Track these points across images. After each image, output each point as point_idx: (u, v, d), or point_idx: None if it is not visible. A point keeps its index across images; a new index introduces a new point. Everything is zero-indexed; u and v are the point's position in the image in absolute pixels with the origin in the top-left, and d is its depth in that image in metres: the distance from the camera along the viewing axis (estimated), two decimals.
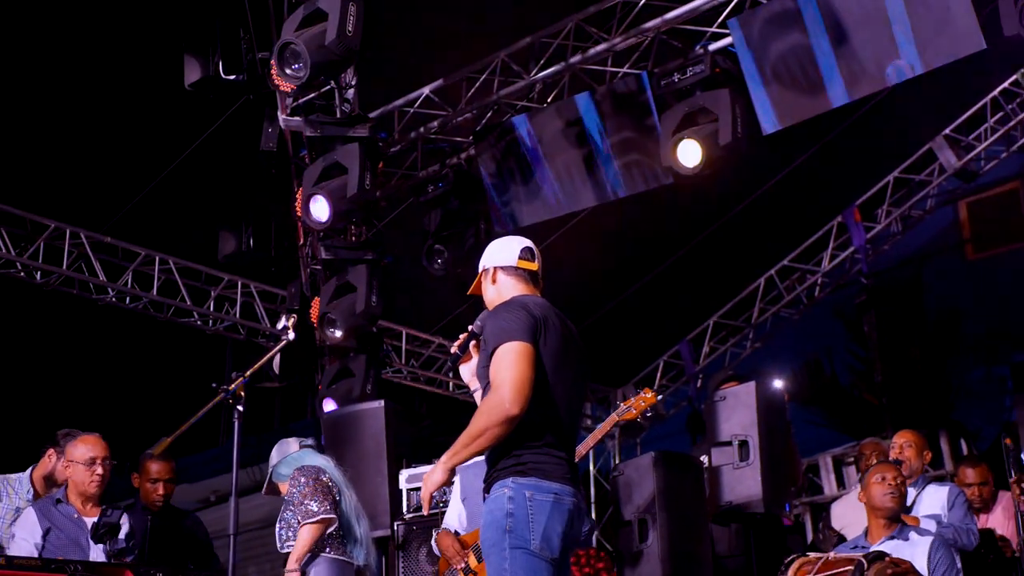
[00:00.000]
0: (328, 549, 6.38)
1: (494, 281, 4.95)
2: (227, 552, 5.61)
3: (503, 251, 5.03)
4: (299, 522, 6.31)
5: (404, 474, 8.51)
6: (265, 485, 6.81)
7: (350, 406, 9.51)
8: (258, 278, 12.37)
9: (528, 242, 5.07)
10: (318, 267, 10.72)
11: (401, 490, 8.46)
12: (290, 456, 6.66)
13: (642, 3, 9.94)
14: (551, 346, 4.65)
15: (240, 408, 5.60)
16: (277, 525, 6.46)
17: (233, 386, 5.61)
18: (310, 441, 6.73)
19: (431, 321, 13.32)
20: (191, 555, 7.70)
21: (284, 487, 6.61)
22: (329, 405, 10.56)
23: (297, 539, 6.30)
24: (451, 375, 13.68)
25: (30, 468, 7.32)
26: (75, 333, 12.70)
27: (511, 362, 4.50)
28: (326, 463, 6.61)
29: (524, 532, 4.46)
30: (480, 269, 5.06)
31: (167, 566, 6.95)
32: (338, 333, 10.11)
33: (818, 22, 9.18)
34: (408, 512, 8.33)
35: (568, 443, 4.70)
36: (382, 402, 8.95)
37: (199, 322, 12.38)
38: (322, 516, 6.31)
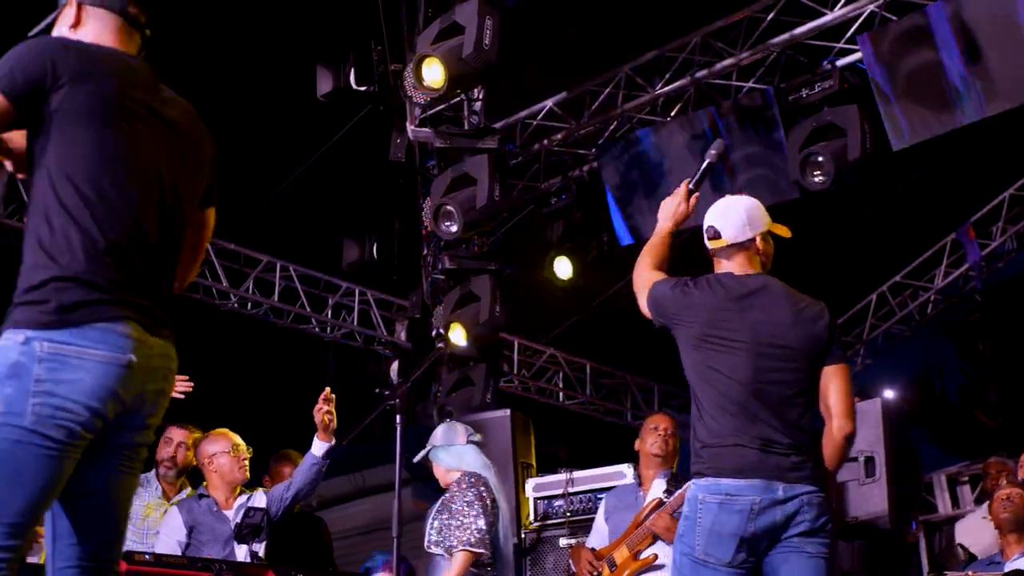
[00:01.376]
0: (475, 569, 6.41)
1: None
2: None
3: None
4: (456, 540, 6.29)
5: (530, 483, 8.57)
6: (421, 455, 6.77)
7: (475, 414, 9.59)
8: (375, 286, 12.52)
9: (713, 216, 4.77)
10: (439, 276, 10.84)
11: (528, 498, 8.52)
12: (456, 447, 6.62)
13: (769, 18, 9.96)
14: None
15: (400, 416, 5.71)
16: (429, 521, 6.47)
17: (399, 392, 5.72)
18: (477, 438, 6.71)
19: (543, 331, 13.39)
20: (318, 557, 7.81)
21: (439, 470, 6.60)
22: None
23: (452, 563, 6.30)
24: (562, 384, 13.75)
25: (153, 468, 7.41)
26: (198, 338, 12.89)
27: None
28: (487, 470, 6.61)
29: (691, 537, 4.36)
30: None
31: (307, 567, 7.07)
32: (462, 342, 10.22)
33: (950, 38, 9.14)
34: (535, 521, 8.39)
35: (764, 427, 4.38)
36: (508, 411, 9.03)
37: (317, 328, 12.56)
38: (479, 550, 6.29)
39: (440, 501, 6.47)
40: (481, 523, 6.23)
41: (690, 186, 4.83)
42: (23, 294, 3.00)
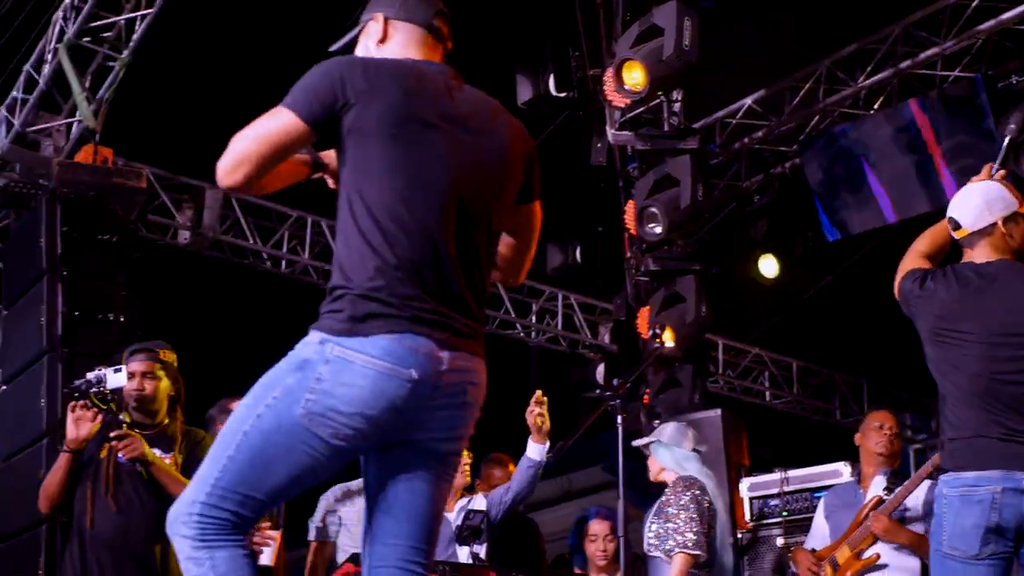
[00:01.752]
0: (694, 571, 6.39)
1: None
2: None
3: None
4: (675, 543, 6.29)
5: (745, 482, 8.52)
6: (642, 441, 6.75)
7: (684, 415, 9.57)
8: (578, 290, 12.61)
9: (953, 207, 4.61)
10: (643, 279, 10.83)
11: (742, 498, 8.48)
12: (679, 451, 6.59)
13: (974, 5, 9.72)
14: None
15: (620, 417, 5.76)
16: (647, 524, 6.49)
17: (619, 392, 5.77)
18: (703, 448, 6.73)
19: (748, 331, 13.29)
20: (533, 559, 7.89)
21: (655, 465, 6.57)
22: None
23: (672, 566, 6.31)
24: (768, 383, 13.64)
25: None
26: None
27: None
28: (708, 479, 6.58)
29: (938, 533, 4.37)
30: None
31: (525, 568, 7.16)
32: (670, 344, 10.19)
33: None
34: (751, 520, 8.34)
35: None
36: (719, 411, 9.00)
37: (521, 333, 12.71)
38: (697, 552, 6.28)
39: (656, 505, 6.47)
40: (696, 526, 6.23)
41: (993, 167, 4.60)
42: (326, 306, 3.10)
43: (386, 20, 3.35)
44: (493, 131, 3.30)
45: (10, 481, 8.28)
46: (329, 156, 3.29)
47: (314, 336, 3.07)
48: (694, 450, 6.61)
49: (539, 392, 6.74)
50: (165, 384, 5.87)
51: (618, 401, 5.86)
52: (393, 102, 3.13)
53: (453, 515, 7.01)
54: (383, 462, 3.20)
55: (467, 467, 7.09)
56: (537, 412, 6.69)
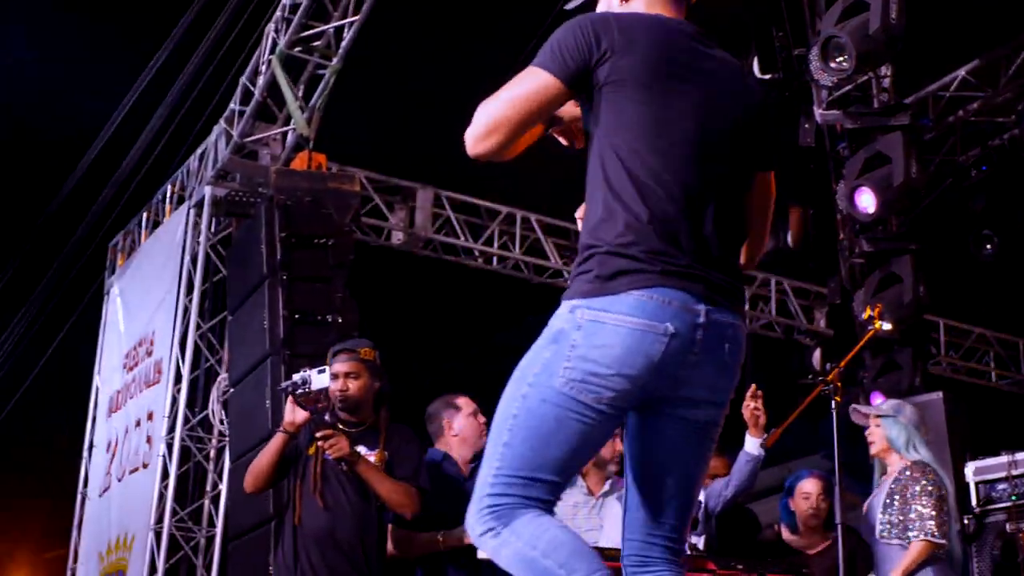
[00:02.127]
0: (930, 560, 6.20)
1: None
2: None
3: None
4: (918, 529, 6.11)
5: (970, 466, 8.27)
6: (877, 409, 6.57)
7: (905, 399, 9.34)
8: (791, 275, 12.42)
9: None
10: (858, 260, 10.61)
11: (968, 483, 8.23)
12: (915, 434, 6.33)
13: None
14: None
15: (837, 399, 5.65)
16: (878, 511, 6.31)
17: (830, 377, 5.66)
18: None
19: (971, 310, 12.89)
20: (748, 548, 7.80)
21: (882, 442, 6.36)
22: (877, 399, 10.44)
23: (910, 552, 6.13)
24: (993, 364, 13.19)
25: None
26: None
27: None
28: (937, 465, 6.38)
29: None
30: None
31: (746, 559, 7.09)
32: (887, 326, 9.95)
33: None
34: (977, 506, 8.09)
35: None
36: (940, 394, 8.76)
37: None
38: (941, 540, 6.10)
39: (887, 490, 6.26)
40: (938, 513, 6.04)
41: None
42: (576, 269, 3.05)
43: None
44: (743, 91, 3.19)
45: (239, 481, 8.58)
46: (564, 111, 3.21)
47: (564, 306, 3.01)
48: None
49: (754, 386, 6.65)
50: (368, 382, 5.96)
51: (832, 386, 5.74)
52: (647, 55, 3.04)
53: None
54: (644, 436, 3.15)
55: None
56: (753, 407, 6.60)
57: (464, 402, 6.77)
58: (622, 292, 2.95)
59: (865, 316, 8.21)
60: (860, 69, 8.70)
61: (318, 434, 5.71)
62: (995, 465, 7.91)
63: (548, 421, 2.98)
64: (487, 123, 3.04)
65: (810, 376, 5.89)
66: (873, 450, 6.39)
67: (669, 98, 3.05)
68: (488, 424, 6.56)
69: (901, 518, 6.11)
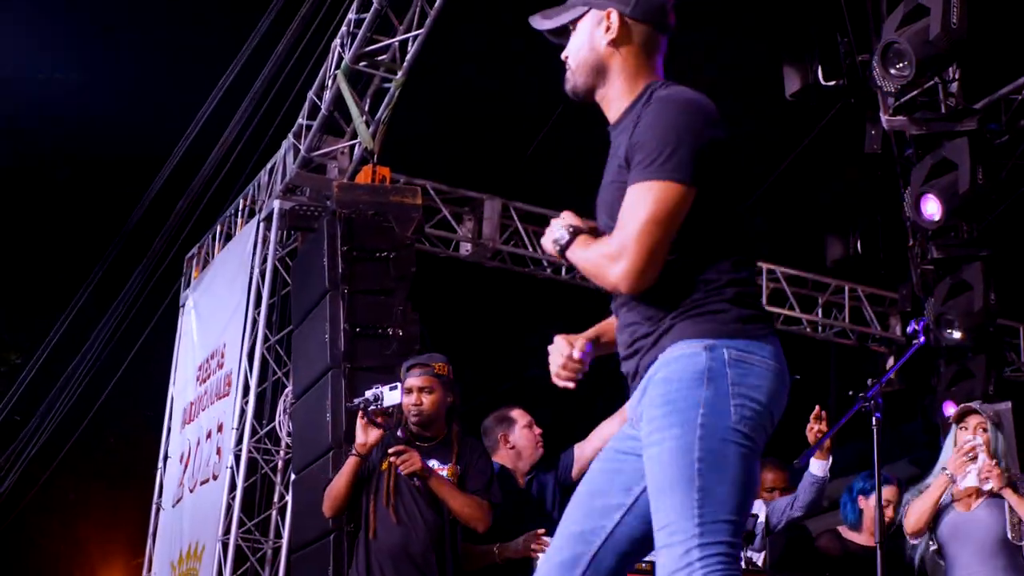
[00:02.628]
0: None
1: None
2: None
3: None
4: None
5: None
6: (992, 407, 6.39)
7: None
8: (865, 282, 12.28)
9: None
10: (928, 267, 10.45)
11: None
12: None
13: None
14: None
15: (879, 416, 5.57)
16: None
17: (871, 392, 5.59)
18: None
19: None
20: (810, 567, 7.70)
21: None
22: (949, 409, 10.29)
23: None
24: None
25: None
26: None
27: None
28: None
29: None
30: None
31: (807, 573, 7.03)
32: (956, 334, 9.81)
33: None
34: None
35: None
36: (1009, 403, 8.59)
37: (808, 329, 12.46)
38: None
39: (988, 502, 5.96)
40: None
41: None
42: (688, 306, 3.08)
43: (621, 17, 3.19)
44: None
45: (301, 493, 8.67)
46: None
47: (693, 345, 3.01)
48: None
49: (818, 407, 6.56)
50: (441, 397, 6.03)
51: (872, 402, 5.62)
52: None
53: None
54: None
55: None
56: (816, 429, 6.50)
57: (519, 414, 6.81)
58: (758, 339, 3.02)
59: (912, 330, 8.07)
60: (921, 75, 8.57)
61: (391, 450, 5.79)
62: None
63: (734, 461, 2.96)
64: (641, 256, 3.00)
65: (850, 392, 5.74)
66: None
67: None
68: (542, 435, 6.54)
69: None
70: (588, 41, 3.25)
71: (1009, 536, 5.80)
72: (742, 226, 3.09)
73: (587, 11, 3.24)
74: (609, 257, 3.02)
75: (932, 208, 9.33)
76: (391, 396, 5.88)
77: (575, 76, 3.28)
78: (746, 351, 2.98)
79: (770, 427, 3.03)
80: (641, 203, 2.97)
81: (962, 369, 10.34)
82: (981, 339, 10.16)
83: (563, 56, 3.32)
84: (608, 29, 3.20)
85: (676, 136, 3.00)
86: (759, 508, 7.02)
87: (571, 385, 3.16)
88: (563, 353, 3.15)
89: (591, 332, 3.32)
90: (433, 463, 5.91)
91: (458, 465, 5.99)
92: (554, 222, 3.26)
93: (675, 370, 2.98)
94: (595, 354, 3.23)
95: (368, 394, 5.94)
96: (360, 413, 5.87)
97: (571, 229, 3.17)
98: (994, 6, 9.48)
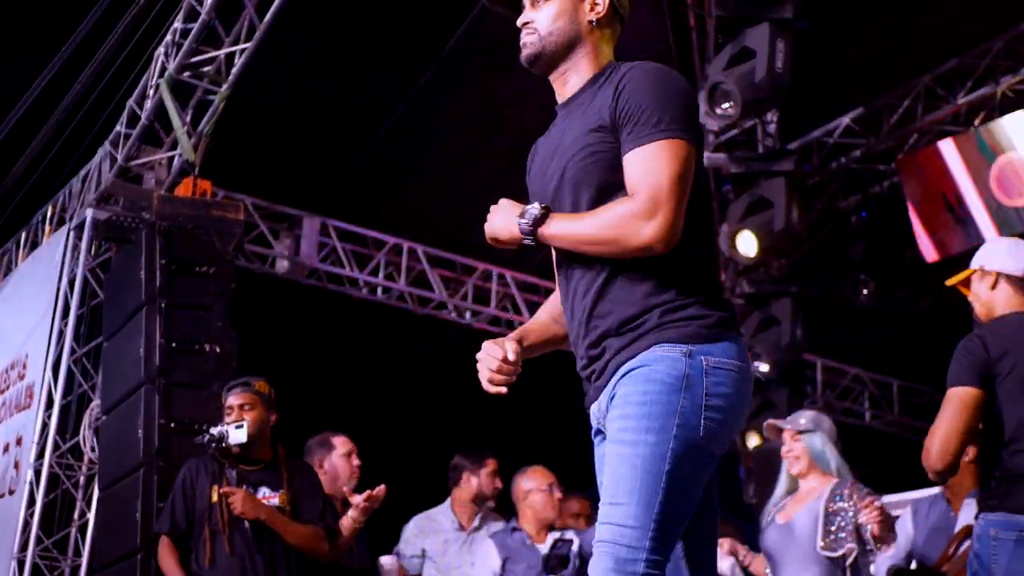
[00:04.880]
0: None
1: (992, 287, 4.52)
2: None
3: (1015, 256, 4.54)
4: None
5: None
6: (798, 424, 6.34)
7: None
8: None
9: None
10: (739, 301, 10.77)
11: None
12: (835, 452, 6.05)
13: None
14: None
15: None
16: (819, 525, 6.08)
17: None
18: None
19: (847, 351, 13.12)
20: None
21: (807, 459, 6.00)
22: (752, 440, 10.62)
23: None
24: (868, 404, 13.44)
25: (448, 498, 7.43)
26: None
27: (946, 414, 4.24)
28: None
29: None
30: (975, 266, 4.59)
31: None
32: (764, 367, 10.13)
33: None
34: None
35: None
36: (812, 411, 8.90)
37: None
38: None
39: (821, 506, 5.86)
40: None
41: None
42: (665, 311, 3.03)
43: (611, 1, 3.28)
44: None
45: (107, 511, 8.43)
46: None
47: (670, 350, 2.98)
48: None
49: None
50: (263, 415, 5.97)
51: None
52: None
53: (544, 546, 7.00)
54: None
55: (559, 501, 7.07)
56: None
57: (341, 442, 6.80)
58: (726, 340, 3.02)
59: None
60: (745, 116, 8.87)
61: (222, 491, 5.69)
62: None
63: (693, 476, 2.96)
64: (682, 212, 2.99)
65: None
66: (796, 468, 6.02)
67: None
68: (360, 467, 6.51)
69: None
70: (570, 13, 3.25)
71: (819, 547, 5.74)
72: (708, 218, 3.12)
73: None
74: (638, 216, 2.94)
75: (747, 245, 9.63)
76: (237, 435, 5.78)
77: (545, 43, 3.25)
78: (721, 357, 2.98)
79: (735, 428, 3.05)
80: (661, 160, 2.95)
81: (766, 401, 10.67)
82: (786, 372, 10.52)
83: (524, 21, 3.29)
84: (594, 8, 3.24)
85: (671, 98, 3.03)
86: (572, 534, 7.11)
87: (504, 391, 3.10)
88: (496, 356, 3.09)
89: (515, 335, 3.26)
90: (264, 491, 5.84)
91: (290, 491, 5.91)
92: (503, 203, 3.18)
93: (656, 371, 2.96)
94: (522, 357, 3.17)
95: (214, 431, 5.85)
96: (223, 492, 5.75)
97: (540, 206, 3.10)
98: (809, 52, 9.81)
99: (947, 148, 10.27)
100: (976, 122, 10.33)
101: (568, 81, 3.26)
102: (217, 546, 5.74)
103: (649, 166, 2.96)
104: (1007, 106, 10.16)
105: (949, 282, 4.71)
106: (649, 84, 3.05)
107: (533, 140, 3.37)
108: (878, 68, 10.40)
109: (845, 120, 10.66)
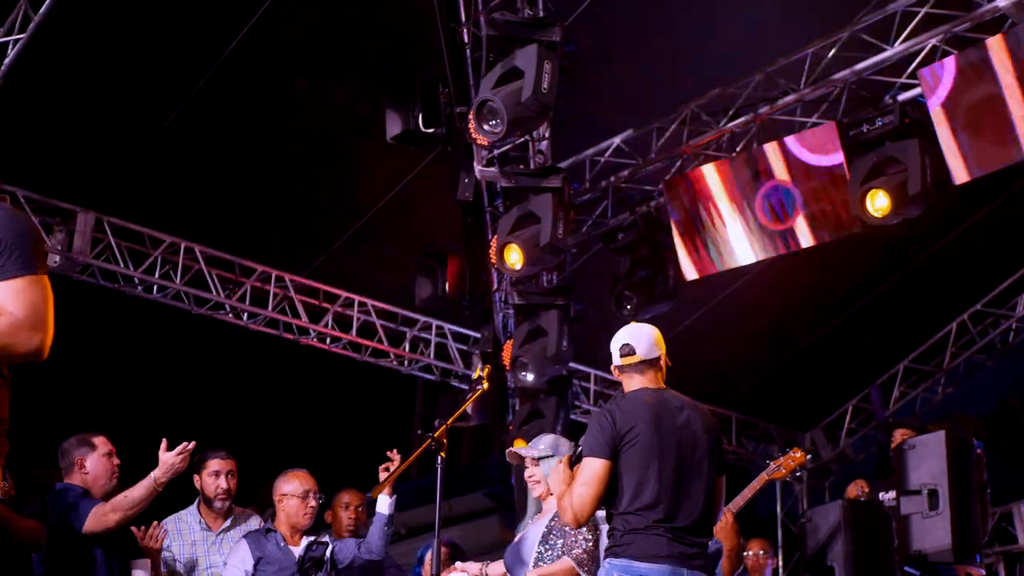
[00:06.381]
0: None
1: (618, 378, 5.59)
2: None
3: (613, 350, 5.53)
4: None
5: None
6: (534, 451, 6.50)
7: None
8: (453, 320, 12.75)
9: (626, 336, 5.51)
10: (511, 311, 11.05)
11: None
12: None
13: (831, 55, 10.06)
14: (646, 441, 5.17)
15: (443, 455, 5.89)
16: (541, 540, 6.28)
17: (437, 433, 5.89)
18: None
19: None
20: None
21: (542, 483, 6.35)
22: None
23: (554, 564, 6.17)
24: None
25: (196, 499, 7.42)
26: (277, 373, 13.31)
27: (582, 480, 5.25)
28: None
29: None
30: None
31: None
32: (530, 377, 10.42)
33: (1009, 73, 9.18)
34: None
35: (680, 521, 5.16)
36: (571, 443, 9.18)
37: (395, 363, 12.82)
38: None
39: (544, 527, 6.21)
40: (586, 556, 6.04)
41: None
42: None
43: None
44: None
45: None
46: None
47: None
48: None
49: (394, 451, 6.78)
50: None
51: (437, 442, 5.92)
52: None
53: (299, 548, 7.12)
54: None
55: (313, 510, 7.18)
56: (385, 466, 6.75)
57: (101, 442, 6.77)
58: None
59: (475, 375, 8.52)
60: (511, 133, 9.12)
61: None
62: None
63: None
64: None
65: (419, 431, 6.07)
66: (537, 492, 6.38)
67: None
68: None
69: (561, 554, 6.07)
70: None
71: (530, 563, 6.11)
72: None
73: None
74: None
75: (514, 257, 9.91)
76: None
77: None
78: None
79: None
80: None
81: (535, 409, 10.97)
82: (553, 382, 10.83)
83: None
84: None
85: None
86: (327, 537, 7.26)
87: None
88: None
89: None
90: None
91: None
92: None
93: None
94: None
95: None
96: None
97: None
98: (585, 74, 10.13)
99: (709, 172, 10.70)
100: (738, 148, 10.79)
101: None
102: None
103: None
104: (766, 134, 10.63)
105: None
106: None
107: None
108: (648, 93, 10.79)
109: (616, 140, 11.01)
